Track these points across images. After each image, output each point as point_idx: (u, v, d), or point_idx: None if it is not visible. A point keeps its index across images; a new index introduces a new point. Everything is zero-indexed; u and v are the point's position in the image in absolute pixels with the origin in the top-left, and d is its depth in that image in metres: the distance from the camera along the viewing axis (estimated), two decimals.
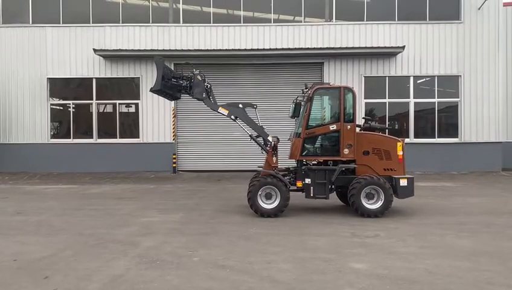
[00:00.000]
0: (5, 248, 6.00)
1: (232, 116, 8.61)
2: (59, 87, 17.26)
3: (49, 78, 16.75)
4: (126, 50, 16.12)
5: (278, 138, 8.53)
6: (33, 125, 16.76)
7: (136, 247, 6.00)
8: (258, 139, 8.66)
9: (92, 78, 16.69)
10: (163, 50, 16.03)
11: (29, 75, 16.70)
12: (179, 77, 8.85)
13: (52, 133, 17.07)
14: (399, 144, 8.28)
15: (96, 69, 16.65)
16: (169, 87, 8.70)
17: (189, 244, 6.11)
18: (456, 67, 16.24)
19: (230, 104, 8.81)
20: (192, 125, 16.62)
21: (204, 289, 4.37)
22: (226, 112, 8.60)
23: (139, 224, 7.54)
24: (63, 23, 16.80)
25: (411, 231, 6.92)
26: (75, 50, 16.61)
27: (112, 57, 16.40)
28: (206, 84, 8.71)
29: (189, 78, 8.76)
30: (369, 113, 16.05)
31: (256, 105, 8.81)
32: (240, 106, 8.67)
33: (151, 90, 8.54)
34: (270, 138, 8.44)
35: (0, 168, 16.36)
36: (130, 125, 16.97)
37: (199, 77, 8.62)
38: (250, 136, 8.76)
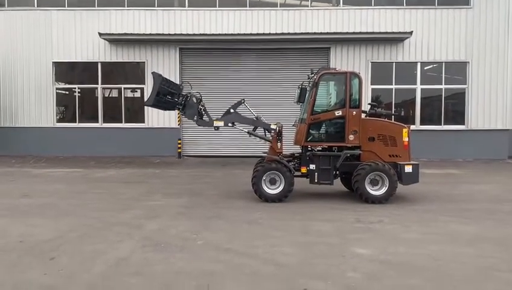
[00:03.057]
0: (11, 230, 6.07)
1: (229, 124, 8.63)
2: (64, 71, 17.25)
3: (55, 62, 16.73)
4: (131, 34, 16.03)
5: (281, 124, 8.51)
6: (39, 109, 16.80)
7: (141, 230, 6.05)
8: (256, 132, 8.69)
9: (98, 62, 16.64)
10: (169, 34, 15.95)
11: (35, 59, 16.68)
12: (176, 94, 8.80)
13: (58, 117, 17.11)
14: (404, 130, 8.23)
15: (101, 53, 16.59)
16: (164, 102, 8.64)
17: (193, 228, 6.15)
18: (464, 53, 16.03)
19: (223, 115, 8.73)
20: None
21: (208, 271, 4.40)
22: (221, 123, 8.59)
23: (144, 208, 7.59)
24: (68, 6, 16.71)
25: (415, 217, 6.92)
26: (80, 34, 16.54)
27: (117, 41, 16.33)
28: (200, 106, 8.67)
29: (186, 96, 8.73)
30: (375, 100, 15.93)
31: (243, 99, 8.77)
32: (231, 110, 8.64)
33: (144, 104, 8.51)
34: (273, 126, 8.41)
35: (6, 152, 16.47)
36: (136, 110, 16.97)
37: (194, 99, 8.60)
38: (248, 133, 8.80)
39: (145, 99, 16.20)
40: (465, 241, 5.61)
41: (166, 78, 8.83)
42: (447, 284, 4.10)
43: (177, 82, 16.16)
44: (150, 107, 8.69)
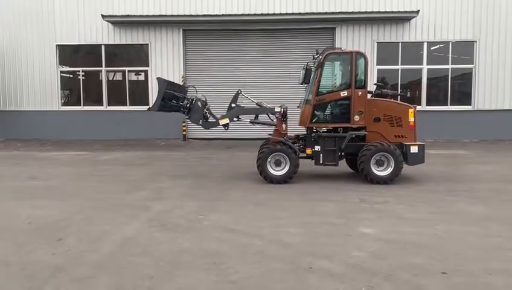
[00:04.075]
0: (19, 212, 6.13)
1: (234, 119, 8.58)
2: (68, 54, 17.19)
3: (58, 45, 16.66)
4: (134, 16, 15.88)
5: (286, 106, 8.47)
6: (44, 92, 16.80)
7: (147, 211, 6.09)
8: (259, 118, 8.68)
9: (101, 44, 16.55)
10: (172, 15, 15.80)
11: (38, 42, 16.61)
12: (181, 97, 8.74)
13: (62, 100, 17.13)
14: (411, 110, 8.16)
15: (105, 36, 16.49)
16: (169, 106, 8.60)
17: (199, 209, 6.18)
18: (472, 32, 15.77)
19: (227, 112, 8.68)
20: (201, 92, 16.45)
21: (214, 251, 4.43)
22: (227, 120, 8.51)
23: (150, 189, 7.63)
24: None
25: (421, 198, 6.92)
26: (83, 16, 16.41)
27: (121, 23, 16.20)
28: (205, 109, 8.61)
29: (191, 100, 8.66)
30: (381, 81, 15.79)
31: (240, 90, 8.71)
32: (233, 105, 8.59)
33: (149, 110, 8.44)
34: (277, 108, 8.36)
35: (12, 135, 16.56)
36: (140, 92, 16.94)
37: (199, 104, 8.53)
38: (250, 122, 8.78)
39: (150, 82, 16.30)
40: (471, 220, 5.60)
41: (171, 82, 8.89)
42: (453, 263, 4.10)
43: (181, 65, 16.13)
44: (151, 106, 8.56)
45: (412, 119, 8.15)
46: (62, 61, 17.02)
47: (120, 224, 5.46)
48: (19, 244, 4.71)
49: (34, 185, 8.16)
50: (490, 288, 3.59)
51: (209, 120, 8.69)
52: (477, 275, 3.83)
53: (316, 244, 4.67)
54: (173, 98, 8.62)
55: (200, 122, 8.60)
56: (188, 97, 8.85)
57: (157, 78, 8.51)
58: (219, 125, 8.59)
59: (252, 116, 8.76)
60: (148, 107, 8.47)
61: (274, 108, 8.41)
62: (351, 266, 4.04)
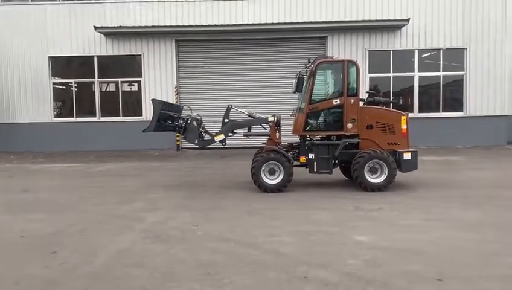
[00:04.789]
0: (12, 225, 6.07)
1: (230, 134, 8.60)
2: (61, 66, 17.16)
3: (51, 57, 16.63)
4: (127, 27, 15.92)
5: (279, 115, 8.51)
6: (36, 104, 16.73)
7: (142, 222, 6.06)
8: (252, 130, 8.72)
9: (94, 56, 16.55)
10: (164, 26, 15.84)
11: (30, 54, 16.57)
12: (176, 117, 8.77)
13: (55, 112, 17.06)
14: (403, 117, 8.22)
15: (97, 47, 16.50)
16: (164, 127, 8.63)
17: (194, 219, 6.16)
18: (462, 39, 15.96)
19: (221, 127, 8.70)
20: (194, 103, 16.49)
21: (208, 261, 4.41)
22: (222, 136, 8.53)
23: (144, 200, 7.59)
24: (62, 0, 16.58)
25: (415, 204, 6.94)
26: (75, 28, 16.42)
27: (113, 34, 16.23)
28: (201, 129, 8.66)
29: (186, 120, 8.68)
30: (374, 88, 15.89)
31: (230, 105, 8.76)
32: (226, 120, 8.60)
33: (144, 131, 8.47)
34: (270, 118, 8.39)
35: (5, 148, 16.43)
36: (133, 103, 16.91)
37: (195, 123, 8.55)
38: (244, 135, 8.82)
39: (143, 93, 16.29)
40: (466, 226, 5.62)
41: (165, 102, 8.97)
42: (448, 269, 4.11)
43: (174, 75, 16.14)
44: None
45: (404, 126, 8.20)
46: (54, 73, 16.99)
47: (114, 236, 5.42)
48: (12, 258, 4.66)
49: (27, 197, 8.10)
50: None
51: (205, 138, 8.71)
52: (473, 282, 3.84)
53: (310, 253, 4.66)
54: (168, 118, 8.64)
55: (196, 142, 8.61)
56: (183, 116, 8.86)
57: (151, 100, 8.56)
58: (215, 142, 8.61)
59: (246, 129, 8.76)
60: (143, 129, 8.45)
61: (267, 118, 8.43)
62: (346, 274, 4.03)
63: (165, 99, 16.14)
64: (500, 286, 3.76)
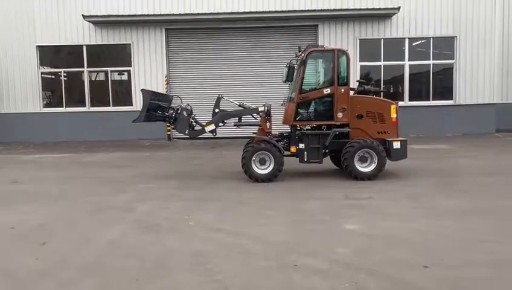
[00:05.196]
0: (2, 216, 6.06)
1: (220, 124, 8.57)
2: (49, 55, 16.92)
3: (38, 46, 16.39)
4: (116, 16, 15.70)
5: (269, 104, 8.51)
6: (25, 94, 16.51)
7: (133, 213, 6.08)
8: (243, 120, 8.71)
9: (83, 45, 16.34)
10: (154, 15, 15.66)
11: (18, 43, 16.29)
12: (166, 107, 8.71)
13: (44, 102, 16.87)
14: (393, 106, 8.27)
15: (86, 36, 16.27)
16: (154, 117, 8.58)
17: (185, 210, 6.19)
18: (452, 28, 15.99)
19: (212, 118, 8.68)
20: (185, 92, 16.40)
21: (199, 251, 4.45)
22: (213, 126, 8.51)
23: (136, 191, 7.59)
24: None
25: (404, 193, 7.03)
26: (63, 16, 16.15)
27: (102, 23, 16.01)
28: (191, 119, 8.61)
29: (176, 110, 8.62)
30: (366, 76, 15.93)
31: (221, 95, 8.75)
32: (216, 110, 8.57)
33: (134, 121, 8.40)
34: (261, 108, 8.39)
35: None
36: (123, 92, 16.78)
37: (185, 113, 8.49)
38: (235, 125, 8.78)
39: (133, 82, 16.17)
40: (453, 214, 5.72)
41: (155, 92, 8.89)
42: (434, 256, 4.19)
43: (164, 65, 16.03)
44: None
45: (394, 115, 8.25)
46: (43, 62, 16.76)
47: (105, 226, 5.44)
48: (1, 250, 4.66)
49: (17, 189, 8.06)
50: (470, 280, 3.68)
51: (195, 128, 8.69)
52: (458, 268, 3.92)
53: (300, 241, 4.72)
54: (158, 108, 8.60)
55: (187, 132, 8.59)
56: (173, 106, 8.81)
57: (141, 90, 8.49)
58: (205, 132, 8.59)
59: (236, 119, 8.76)
60: (133, 119, 8.39)
61: (258, 108, 8.43)
62: (335, 262, 4.10)
63: (155, 89, 16.05)
64: (484, 271, 3.84)
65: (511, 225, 5.19)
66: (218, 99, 8.64)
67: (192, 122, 8.65)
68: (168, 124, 8.53)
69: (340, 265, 4.02)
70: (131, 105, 16.34)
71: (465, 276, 3.76)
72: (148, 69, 16.06)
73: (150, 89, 9.47)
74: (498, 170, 8.98)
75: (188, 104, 8.80)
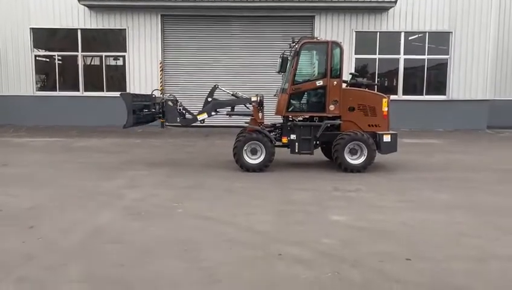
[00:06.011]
0: None
1: (213, 113, 8.57)
2: (44, 38, 16.76)
3: (32, 28, 16.22)
4: (112, 0, 15.57)
5: (262, 95, 8.53)
6: (18, 77, 16.39)
7: (122, 199, 6.10)
8: (236, 110, 8.72)
9: (77, 29, 16.20)
10: (150, 0, 15.54)
11: (11, 25, 16.13)
12: (150, 104, 8.67)
13: (38, 85, 16.75)
14: (384, 100, 8.31)
15: (81, 20, 16.12)
16: (143, 118, 8.56)
17: (174, 197, 6.22)
18: (448, 23, 16.01)
19: (203, 107, 8.67)
20: (179, 79, 16.40)
21: (186, 238, 4.49)
22: (205, 115, 8.52)
23: (126, 177, 7.61)
24: None
25: (391, 186, 7.10)
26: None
27: (98, 7, 15.86)
28: (178, 106, 8.61)
29: (161, 104, 8.60)
30: (362, 69, 15.94)
31: (216, 84, 8.75)
32: (209, 99, 8.58)
33: (124, 127, 8.33)
34: (253, 98, 8.41)
35: None
36: (118, 78, 16.69)
37: (170, 103, 8.50)
38: (227, 114, 8.79)
39: (127, 68, 16.08)
40: (438, 208, 5.80)
41: (135, 94, 8.87)
42: (417, 249, 4.26)
43: (159, 51, 15.93)
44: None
45: (385, 108, 8.31)
46: (37, 45, 16.60)
47: (94, 212, 5.46)
48: None
49: (7, 172, 8.05)
50: (450, 273, 3.75)
51: (187, 116, 8.68)
52: (439, 261, 3.99)
53: (287, 231, 4.78)
54: (143, 107, 8.59)
55: (179, 120, 8.59)
56: (158, 102, 8.77)
57: (120, 94, 8.39)
58: (198, 121, 8.58)
59: (229, 109, 8.77)
60: (123, 124, 8.35)
61: (250, 98, 8.45)
62: (319, 252, 4.16)
63: (149, 75, 16.10)
64: (463, 265, 3.92)
65: (496, 220, 5.26)
66: (214, 89, 8.64)
67: (180, 109, 8.64)
68: (162, 120, 8.51)
69: (324, 255, 4.08)
70: (126, 91, 16.24)
71: (444, 269, 3.83)
72: (143, 54, 15.97)
73: (128, 92, 9.34)
74: (486, 166, 9.08)
75: (171, 94, 8.80)
